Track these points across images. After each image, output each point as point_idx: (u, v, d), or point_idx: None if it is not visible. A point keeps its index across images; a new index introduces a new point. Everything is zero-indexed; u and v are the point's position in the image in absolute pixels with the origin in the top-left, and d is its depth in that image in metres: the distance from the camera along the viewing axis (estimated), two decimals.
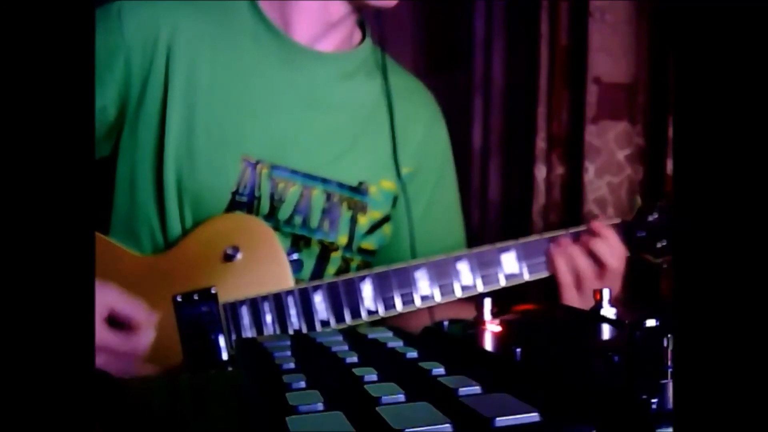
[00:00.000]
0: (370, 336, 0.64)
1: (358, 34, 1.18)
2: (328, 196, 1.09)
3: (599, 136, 1.36)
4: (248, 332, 1.00)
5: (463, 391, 0.45)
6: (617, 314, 0.61)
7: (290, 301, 1.02)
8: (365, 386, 0.46)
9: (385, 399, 0.44)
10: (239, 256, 1.02)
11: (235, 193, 1.05)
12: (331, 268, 1.12)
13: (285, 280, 1.04)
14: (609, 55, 1.34)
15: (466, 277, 1.06)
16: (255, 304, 1.01)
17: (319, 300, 1.02)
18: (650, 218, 1.10)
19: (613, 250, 1.06)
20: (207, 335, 1.00)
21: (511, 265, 1.07)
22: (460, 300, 1.06)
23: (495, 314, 0.64)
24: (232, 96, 1.06)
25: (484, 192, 1.63)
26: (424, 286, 1.05)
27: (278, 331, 1.01)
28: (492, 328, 0.62)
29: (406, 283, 1.04)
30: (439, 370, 0.50)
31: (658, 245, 1.09)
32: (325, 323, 1.02)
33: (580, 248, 1.06)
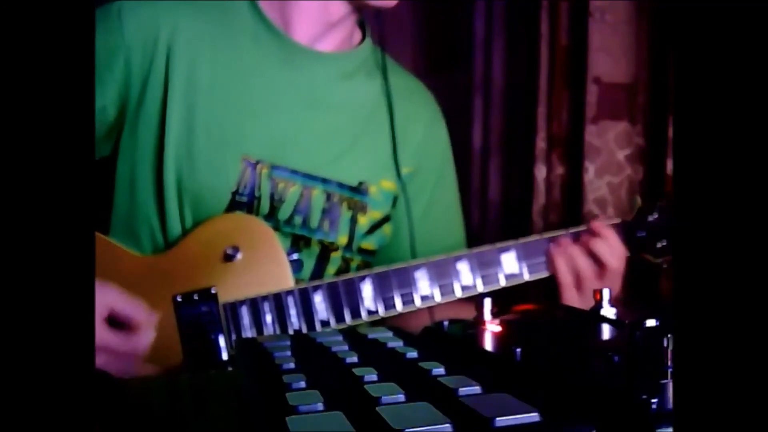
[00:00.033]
0: (370, 336, 0.64)
1: (358, 34, 1.18)
2: (328, 196, 1.09)
3: (599, 136, 1.36)
4: (248, 332, 1.00)
5: (463, 391, 0.45)
6: (617, 314, 0.61)
7: (290, 301, 1.02)
8: (365, 386, 0.46)
9: (385, 399, 0.44)
10: (239, 256, 1.02)
11: (235, 193, 1.05)
12: (331, 268, 1.12)
13: (285, 280, 1.04)
14: (609, 55, 1.34)
15: (466, 277, 1.06)
16: (255, 304, 1.01)
17: (319, 300, 1.02)
18: (650, 218, 1.10)
19: (613, 250, 1.06)
20: (207, 335, 1.00)
21: (511, 265, 1.07)
22: (460, 300, 1.06)
23: (495, 314, 0.64)
24: (232, 96, 1.06)
25: (484, 192, 1.63)
26: (424, 286, 1.05)
27: (278, 331, 1.01)
28: (492, 328, 0.62)
29: (406, 283, 1.04)
30: (439, 370, 0.50)
31: (658, 245, 1.09)
32: (325, 323, 1.02)
33: (580, 248, 1.06)
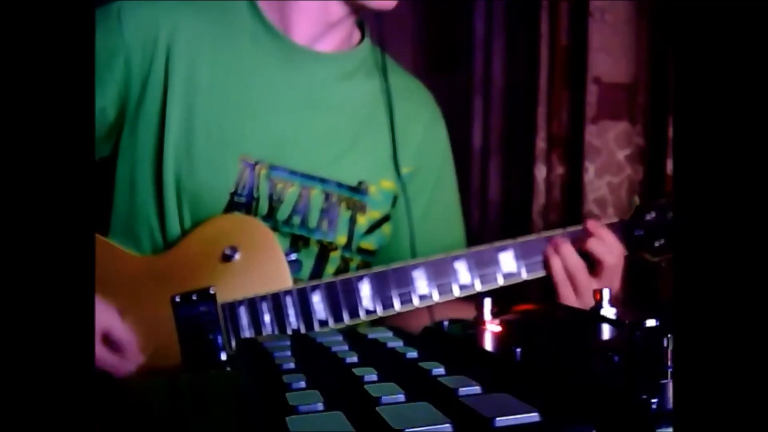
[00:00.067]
0: (370, 336, 0.64)
1: (357, 34, 1.18)
2: (327, 196, 1.09)
3: (599, 136, 1.36)
4: (246, 332, 1.00)
5: (463, 391, 0.45)
6: (617, 314, 0.61)
7: (288, 301, 1.02)
8: (365, 386, 0.46)
9: (385, 399, 0.44)
10: (237, 256, 1.02)
11: (233, 194, 1.05)
12: (330, 268, 1.11)
13: (283, 280, 1.04)
14: (609, 55, 1.34)
15: (464, 277, 1.06)
16: (253, 304, 1.01)
17: (317, 300, 1.02)
18: (648, 217, 1.10)
19: (609, 248, 1.06)
20: (205, 335, 1.00)
21: (508, 265, 1.07)
22: (460, 300, 1.06)
23: (495, 314, 0.64)
24: (232, 96, 1.06)
25: (484, 192, 1.63)
26: (422, 285, 1.05)
27: (276, 331, 1.01)
28: (492, 328, 0.63)
29: (404, 282, 1.04)
30: (439, 370, 0.50)
31: (656, 244, 1.09)
32: (323, 323, 1.02)
33: (574, 248, 1.06)
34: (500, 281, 1.07)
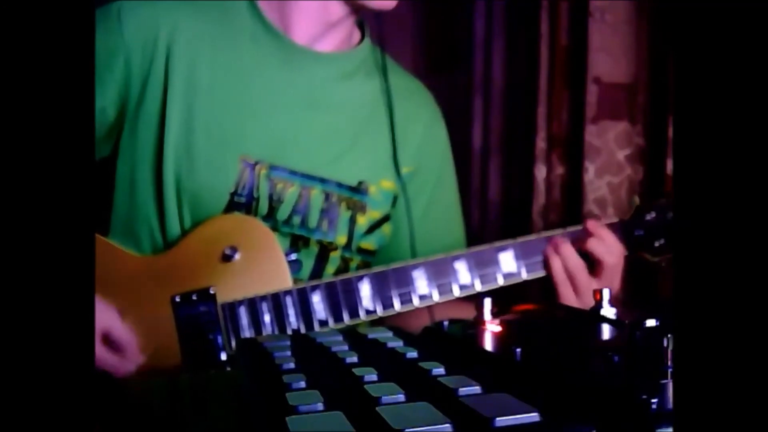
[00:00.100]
0: (370, 336, 0.64)
1: (357, 34, 1.18)
2: (327, 196, 1.09)
3: (599, 136, 1.36)
4: (246, 332, 1.00)
5: (463, 391, 0.45)
6: (617, 314, 0.61)
7: (288, 301, 1.02)
8: (365, 386, 0.46)
9: (385, 399, 0.44)
10: (237, 256, 1.02)
11: (233, 194, 1.05)
12: (330, 268, 1.11)
13: (283, 280, 1.04)
14: (609, 55, 1.34)
15: (464, 277, 1.06)
16: (253, 304, 1.01)
17: (317, 300, 1.02)
18: (648, 217, 1.10)
19: (609, 248, 1.06)
20: (205, 335, 1.00)
21: (508, 265, 1.07)
22: (460, 300, 1.06)
23: (495, 314, 0.64)
24: (232, 96, 1.06)
25: (484, 192, 1.63)
26: (422, 285, 1.05)
27: (276, 331, 1.01)
28: (492, 328, 0.62)
29: (404, 282, 1.04)
30: (439, 370, 0.50)
31: (656, 244, 1.09)
32: (323, 323, 1.02)
33: (574, 248, 1.06)
34: (500, 281, 1.07)
